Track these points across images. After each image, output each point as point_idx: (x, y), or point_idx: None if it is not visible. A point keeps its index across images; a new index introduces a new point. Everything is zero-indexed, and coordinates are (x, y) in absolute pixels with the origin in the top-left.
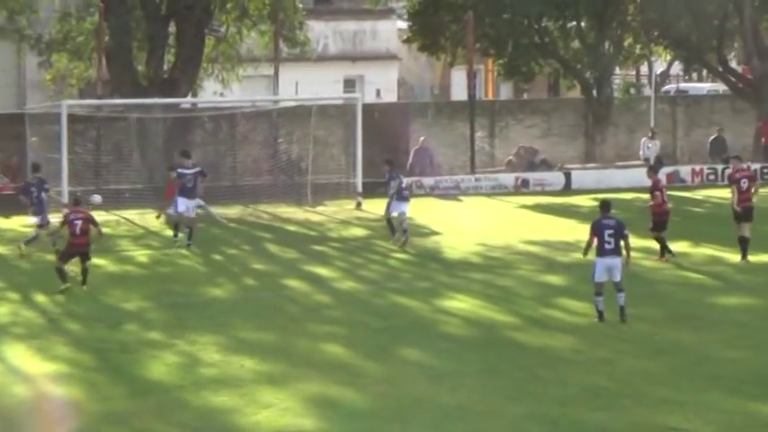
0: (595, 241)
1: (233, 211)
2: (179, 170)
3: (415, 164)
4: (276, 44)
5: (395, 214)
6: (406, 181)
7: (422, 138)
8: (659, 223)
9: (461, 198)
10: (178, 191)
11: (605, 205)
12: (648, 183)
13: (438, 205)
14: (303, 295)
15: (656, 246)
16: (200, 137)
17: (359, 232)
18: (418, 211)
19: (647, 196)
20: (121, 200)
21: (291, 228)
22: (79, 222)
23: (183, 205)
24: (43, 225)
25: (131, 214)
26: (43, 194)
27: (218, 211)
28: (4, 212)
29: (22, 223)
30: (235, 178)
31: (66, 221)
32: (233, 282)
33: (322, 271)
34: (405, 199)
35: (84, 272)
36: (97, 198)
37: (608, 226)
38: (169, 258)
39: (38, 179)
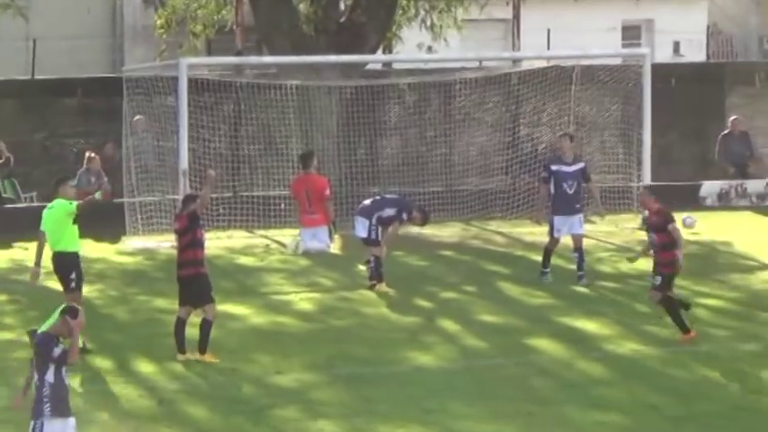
0: None
1: (448, 230)
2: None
3: (727, 158)
4: None
5: None
6: (720, 186)
7: (732, 118)
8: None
9: None
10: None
11: None
12: None
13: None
14: (559, 363)
15: None
16: (397, 115)
17: (645, 265)
18: (734, 231)
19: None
20: (274, 213)
21: (539, 257)
22: (177, 233)
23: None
24: None
25: (288, 235)
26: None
27: (417, 230)
28: (99, 231)
29: (119, 249)
30: (450, 180)
31: None
32: (448, 342)
33: (588, 325)
34: None
35: (201, 328)
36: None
37: None
38: (349, 306)
39: None
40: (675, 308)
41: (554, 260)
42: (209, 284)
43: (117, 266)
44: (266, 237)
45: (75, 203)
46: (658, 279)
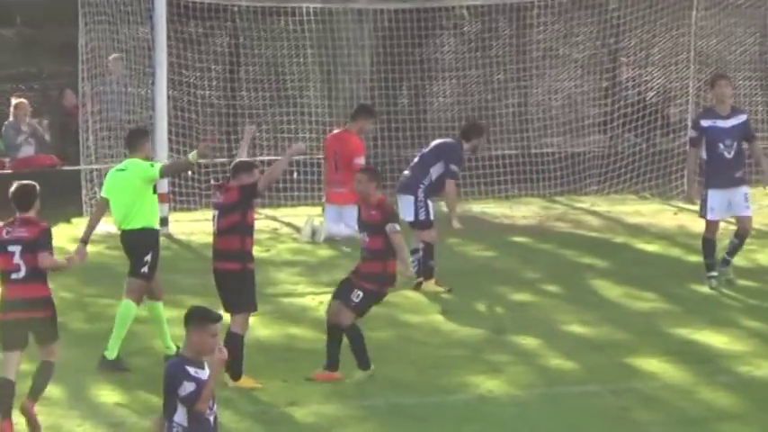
0: None
1: (524, 209)
2: None
3: None
4: None
5: None
6: None
7: None
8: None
9: None
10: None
11: None
12: None
13: None
14: (673, 391)
15: None
16: (452, 51)
17: None
18: None
19: None
20: (285, 185)
21: (647, 245)
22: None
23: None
24: None
25: (304, 215)
26: None
27: (480, 209)
28: (47, 211)
29: (74, 235)
30: (526, 140)
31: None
32: (523, 361)
33: (714, 339)
34: None
35: (227, 342)
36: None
37: None
38: (387, 312)
39: None
40: (360, 340)
41: (668, 247)
42: (254, 286)
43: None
44: (274, 218)
45: (158, 165)
46: (359, 295)
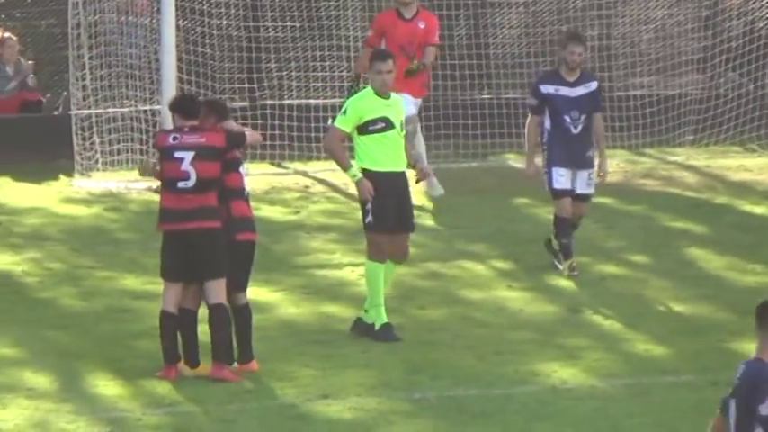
0: None
1: (606, 164)
2: None
3: None
4: None
5: None
6: None
7: None
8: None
9: None
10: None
11: None
12: None
13: None
14: None
15: None
16: None
17: None
18: None
19: None
20: (318, 135)
21: (755, 207)
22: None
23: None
24: None
25: (338, 168)
26: None
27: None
28: (31, 165)
29: (64, 195)
30: (609, 80)
31: None
32: (605, 347)
33: None
34: None
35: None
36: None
37: None
38: (443, 287)
39: None
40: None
41: None
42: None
43: (61, 222)
44: (305, 174)
45: (342, 118)
46: None
